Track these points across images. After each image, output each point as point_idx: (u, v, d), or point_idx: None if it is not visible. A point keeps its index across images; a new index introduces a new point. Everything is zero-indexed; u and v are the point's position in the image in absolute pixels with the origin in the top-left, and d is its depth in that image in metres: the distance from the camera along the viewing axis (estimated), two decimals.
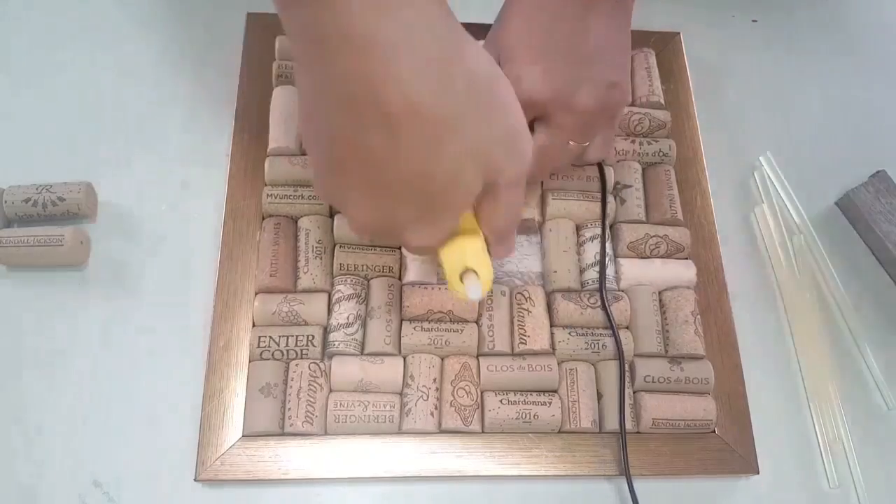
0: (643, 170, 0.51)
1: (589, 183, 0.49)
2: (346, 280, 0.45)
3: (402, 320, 0.44)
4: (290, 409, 0.41)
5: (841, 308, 0.49)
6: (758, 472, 0.44)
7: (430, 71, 0.27)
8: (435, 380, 0.43)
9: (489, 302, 0.45)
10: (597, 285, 0.46)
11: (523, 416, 0.42)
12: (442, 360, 0.44)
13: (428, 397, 0.42)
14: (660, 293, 0.47)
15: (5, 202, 0.46)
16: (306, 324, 0.44)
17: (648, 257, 0.48)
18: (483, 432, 0.43)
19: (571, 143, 0.42)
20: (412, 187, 0.30)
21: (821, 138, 0.55)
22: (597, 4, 0.39)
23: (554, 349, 0.44)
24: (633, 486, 0.42)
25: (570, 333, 0.45)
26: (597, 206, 0.48)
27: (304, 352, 0.43)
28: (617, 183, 0.49)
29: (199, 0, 0.55)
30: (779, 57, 0.58)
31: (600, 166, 0.49)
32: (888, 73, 0.58)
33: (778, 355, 0.48)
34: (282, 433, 0.42)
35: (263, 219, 0.46)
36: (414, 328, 0.44)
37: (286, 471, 0.41)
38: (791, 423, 0.46)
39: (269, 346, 0.43)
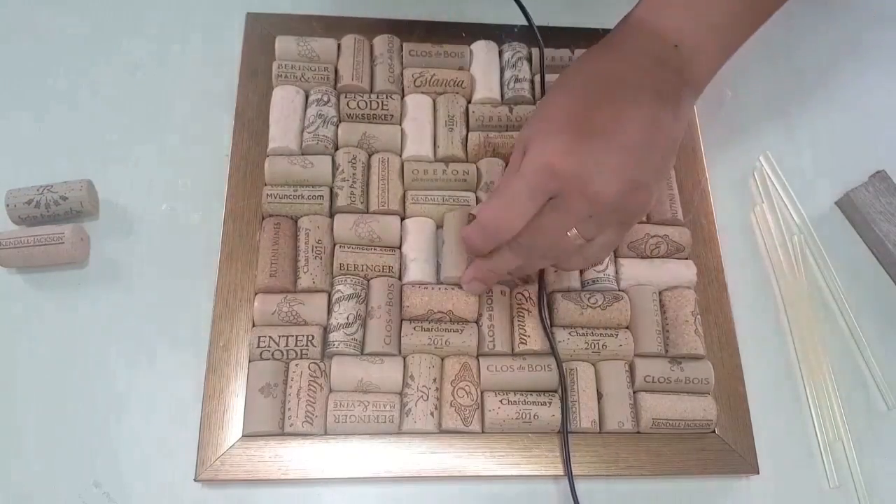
0: None
1: None
2: (345, 280, 0.45)
3: (402, 320, 0.44)
4: (290, 409, 0.41)
5: (841, 308, 0.49)
6: (758, 472, 0.44)
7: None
8: (435, 380, 0.43)
9: (489, 302, 0.45)
10: (597, 285, 0.46)
11: (523, 416, 0.42)
12: (442, 360, 0.44)
13: (428, 397, 0.42)
14: (660, 293, 0.47)
15: (7, 206, 0.46)
16: (306, 324, 0.44)
17: (648, 257, 0.48)
18: (483, 432, 0.43)
19: (572, 232, 0.38)
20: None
21: (821, 138, 0.55)
22: (662, 100, 0.37)
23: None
24: (574, 486, 0.42)
25: (570, 333, 0.45)
26: None
27: (304, 352, 0.43)
28: None
29: (198, 0, 0.55)
30: (779, 57, 0.58)
31: None
32: (888, 72, 0.58)
33: (778, 355, 0.48)
34: (282, 433, 0.42)
35: (263, 219, 0.46)
36: (414, 328, 0.44)
37: (286, 471, 0.41)
38: (791, 423, 0.46)
39: (268, 346, 0.43)
